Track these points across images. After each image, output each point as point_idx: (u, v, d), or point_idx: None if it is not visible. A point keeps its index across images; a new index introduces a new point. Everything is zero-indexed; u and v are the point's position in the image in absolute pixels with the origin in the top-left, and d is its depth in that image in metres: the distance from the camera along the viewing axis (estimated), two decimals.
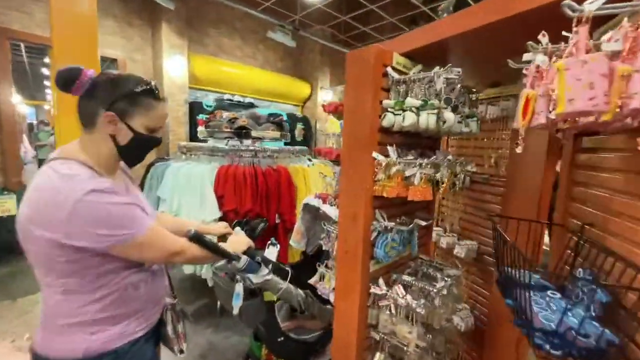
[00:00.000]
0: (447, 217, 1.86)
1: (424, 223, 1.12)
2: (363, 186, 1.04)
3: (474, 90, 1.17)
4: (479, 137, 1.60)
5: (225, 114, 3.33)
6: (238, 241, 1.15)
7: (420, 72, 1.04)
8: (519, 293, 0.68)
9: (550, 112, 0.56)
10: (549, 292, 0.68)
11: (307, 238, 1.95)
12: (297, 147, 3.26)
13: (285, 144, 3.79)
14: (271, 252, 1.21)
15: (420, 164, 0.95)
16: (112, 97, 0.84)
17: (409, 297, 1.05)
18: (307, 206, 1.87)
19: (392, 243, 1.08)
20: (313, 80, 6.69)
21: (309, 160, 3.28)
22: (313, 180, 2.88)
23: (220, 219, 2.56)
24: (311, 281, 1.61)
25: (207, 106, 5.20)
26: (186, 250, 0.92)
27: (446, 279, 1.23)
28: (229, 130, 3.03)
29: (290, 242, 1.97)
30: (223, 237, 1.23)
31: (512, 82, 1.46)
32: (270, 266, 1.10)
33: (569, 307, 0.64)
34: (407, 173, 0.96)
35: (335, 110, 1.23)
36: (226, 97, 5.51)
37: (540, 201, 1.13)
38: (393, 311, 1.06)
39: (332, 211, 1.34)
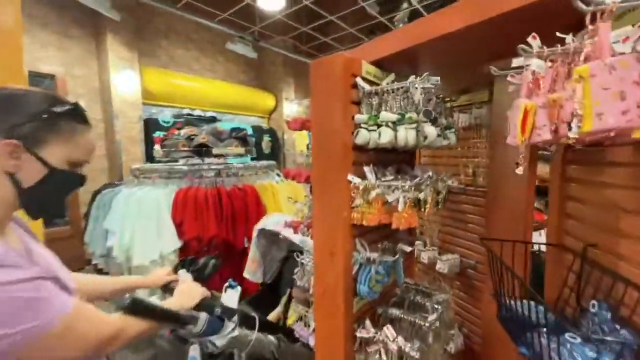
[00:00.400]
0: (426, 231, 1.77)
1: (409, 249, 1.00)
2: (340, 215, 0.90)
3: (448, 99, 1.09)
4: (453, 146, 1.55)
5: (183, 131, 3.07)
6: (189, 293, 0.90)
7: (393, 82, 0.93)
8: (536, 341, 0.56)
9: (570, 127, 0.45)
10: (567, 336, 0.58)
11: (264, 265, 1.80)
12: (265, 162, 3.08)
13: (252, 159, 3.59)
14: (231, 297, 1.01)
15: (403, 187, 0.82)
16: (13, 119, 0.61)
17: (400, 339, 0.91)
18: (262, 232, 1.71)
19: (377, 276, 0.94)
20: (277, 91, 6.55)
21: (278, 175, 3.10)
22: (283, 198, 2.70)
23: (182, 250, 2.30)
24: (271, 317, 1.46)
25: (165, 122, 4.85)
26: (124, 330, 0.69)
27: (436, 306, 1.12)
28: (187, 148, 2.77)
29: (245, 273, 1.81)
30: (166, 287, 1.00)
31: (482, 88, 1.41)
32: (235, 317, 0.91)
33: (595, 356, 0.53)
34: (390, 198, 0.83)
35: (302, 127, 1.09)
36: (185, 111, 5.20)
37: (526, 215, 1.05)
38: (384, 357, 0.92)
39: (306, 241, 1.18)
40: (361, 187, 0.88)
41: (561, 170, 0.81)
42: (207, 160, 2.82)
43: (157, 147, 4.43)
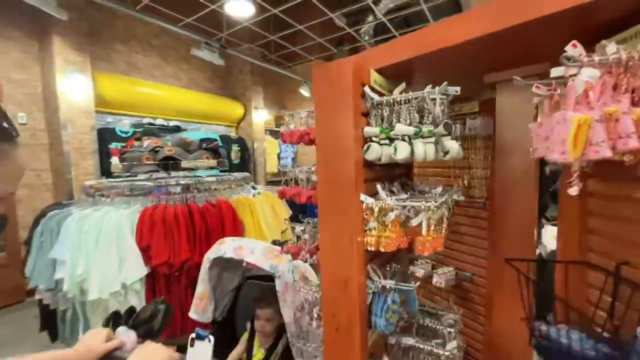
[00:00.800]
0: None
1: (422, 271, 0.92)
2: (352, 240, 0.80)
3: (454, 110, 1.05)
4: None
5: (146, 143, 2.79)
6: None
7: (402, 92, 0.86)
8: None
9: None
10: None
11: (214, 299, 1.61)
12: (239, 175, 2.89)
13: (221, 170, 3.37)
14: (201, 354, 0.80)
15: (428, 207, 0.74)
16: None
17: None
18: (218, 261, 1.53)
19: (393, 306, 0.85)
20: (246, 100, 6.34)
21: (253, 188, 2.92)
22: (262, 212, 2.54)
23: (149, 277, 2.03)
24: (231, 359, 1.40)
25: (122, 132, 4.44)
26: None
27: (450, 330, 1.05)
28: (151, 162, 2.51)
29: (191, 314, 1.58)
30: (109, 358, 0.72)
31: (472, 99, 1.41)
32: None
33: None
34: (414, 222, 0.74)
35: (300, 140, 0.98)
36: (146, 120, 4.82)
37: (533, 228, 1.03)
38: None
39: (277, 267, 1.07)
40: (376, 209, 0.78)
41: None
42: (174, 174, 2.57)
43: (114, 160, 4.03)
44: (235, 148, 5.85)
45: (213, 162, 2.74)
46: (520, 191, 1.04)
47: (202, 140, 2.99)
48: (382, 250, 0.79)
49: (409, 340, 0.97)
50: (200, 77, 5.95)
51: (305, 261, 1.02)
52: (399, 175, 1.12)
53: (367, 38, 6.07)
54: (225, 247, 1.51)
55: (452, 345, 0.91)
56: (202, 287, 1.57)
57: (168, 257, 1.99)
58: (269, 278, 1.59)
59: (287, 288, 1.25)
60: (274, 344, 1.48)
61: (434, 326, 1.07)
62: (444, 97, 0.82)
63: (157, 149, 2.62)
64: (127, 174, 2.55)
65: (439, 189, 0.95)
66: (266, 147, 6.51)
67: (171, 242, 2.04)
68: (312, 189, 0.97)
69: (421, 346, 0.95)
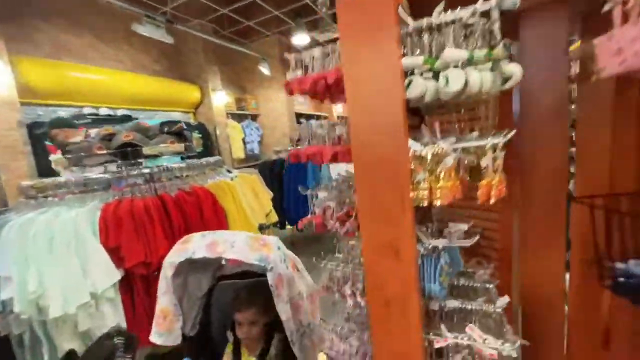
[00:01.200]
0: None
1: (466, 226, 0.82)
2: (401, 196, 0.66)
3: None
4: (447, 105, 1.41)
5: (94, 131, 2.38)
6: None
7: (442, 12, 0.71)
8: None
9: None
10: None
11: (182, 313, 1.27)
12: (211, 159, 2.61)
13: (182, 159, 3.02)
14: None
15: (495, 145, 0.62)
16: None
17: (491, 338, 0.73)
18: (185, 265, 1.19)
19: (446, 267, 0.74)
20: (202, 82, 5.81)
21: (229, 172, 2.67)
22: (244, 196, 2.31)
23: (123, 282, 1.75)
24: None
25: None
26: None
27: (487, 285, 0.98)
28: (104, 152, 2.14)
29: (153, 338, 1.21)
30: None
31: None
32: None
33: None
34: (483, 162, 0.62)
35: (314, 89, 0.80)
36: (87, 111, 4.20)
37: (564, 167, 0.97)
38: None
39: (268, 258, 0.91)
40: (429, 155, 0.65)
41: None
42: (134, 165, 2.22)
43: (53, 157, 3.45)
44: (196, 135, 5.38)
45: (179, 146, 2.42)
46: (549, 134, 0.98)
47: (163, 124, 2.63)
48: (438, 203, 0.67)
49: (453, 303, 0.88)
50: (146, 58, 5.30)
51: (336, 231, 0.87)
52: (419, 125, 1.00)
53: (324, 10, 5.80)
54: (193, 245, 1.17)
55: (503, 300, 0.83)
56: (165, 300, 1.21)
57: (144, 256, 1.73)
58: (247, 274, 1.38)
59: (282, 280, 1.06)
60: (265, 348, 1.26)
61: (470, 285, 1.00)
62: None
63: (109, 136, 2.24)
64: (74, 168, 2.15)
65: (475, 134, 0.84)
66: (229, 132, 6.10)
67: (145, 239, 1.77)
68: (337, 145, 0.81)
69: (468, 307, 0.87)
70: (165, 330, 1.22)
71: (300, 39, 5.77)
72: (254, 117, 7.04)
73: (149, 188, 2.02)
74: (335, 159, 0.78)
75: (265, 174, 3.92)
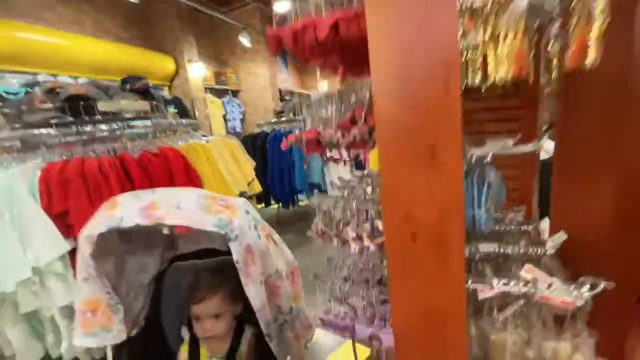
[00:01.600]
0: None
1: (511, 141, 0.60)
2: (443, 69, 0.42)
3: None
4: None
5: (38, 88, 2.02)
6: None
7: None
8: None
9: None
10: None
11: (119, 305, 0.89)
12: (184, 121, 2.30)
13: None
14: None
15: None
16: None
17: (557, 281, 0.52)
18: (108, 238, 0.81)
19: (491, 191, 0.52)
20: (177, 53, 5.34)
21: (204, 136, 2.37)
22: (221, 160, 2.03)
23: (74, 254, 1.47)
24: None
25: (9, 94, 3.37)
26: None
27: (524, 228, 0.78)
28: (49, 107, 1.80)
29: (77, 340, 0.85)
30: None
31: None
32: None
33: None
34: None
35: (295, 41, 0.52)
36: (42, 78, 3.73)
37: None
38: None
39: (232, 222, 0.64)
40: (489, 4, 0.40)
41: None
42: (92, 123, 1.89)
43: None
44: (171, 110, 4.96)
45: (144, 104, 2.09)
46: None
47: (125, 81, 2.28)
48: (497, 78, 0.43)
49: (488, 247, 0.67)
50: (110, 22, 4.78)
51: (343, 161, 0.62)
52: None
53: None
54: (122, 210, 0.79)
55: (558, 237, 0.62)
56: (90, 288, 0.83)
57: None
58: (210, 252, 1.07)
59: (252, 253, 0.76)
60: (233, 346, 0.97)
61: (501, 227, 0.79)
62: None
63: (55, 90, 1.89)
64: (15, 126, 1.80)
65: None
66: (208, 105, 5.69)
67: (100, 203, 1.48)
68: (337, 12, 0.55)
69: (508, 251, 0.66)
70: (96, 327, 0.85)
71: (283, 5, 5.36)
72: (235, 93, 6.63)
73: (106, 148, 1.71)
74: (334, 28, 0.52)
75: (248, 147, 3.62)
